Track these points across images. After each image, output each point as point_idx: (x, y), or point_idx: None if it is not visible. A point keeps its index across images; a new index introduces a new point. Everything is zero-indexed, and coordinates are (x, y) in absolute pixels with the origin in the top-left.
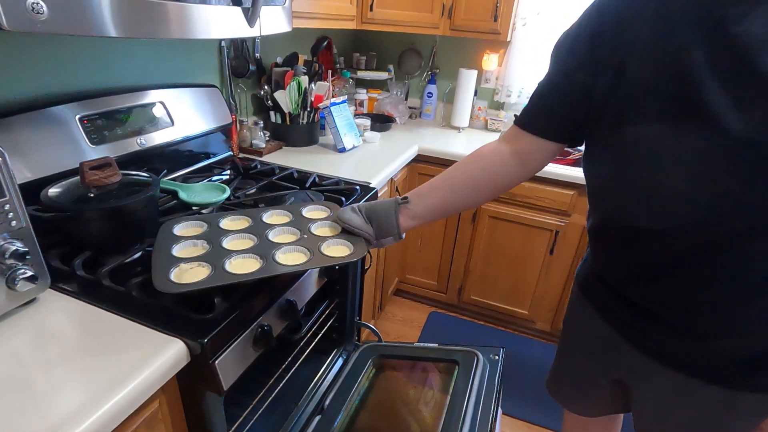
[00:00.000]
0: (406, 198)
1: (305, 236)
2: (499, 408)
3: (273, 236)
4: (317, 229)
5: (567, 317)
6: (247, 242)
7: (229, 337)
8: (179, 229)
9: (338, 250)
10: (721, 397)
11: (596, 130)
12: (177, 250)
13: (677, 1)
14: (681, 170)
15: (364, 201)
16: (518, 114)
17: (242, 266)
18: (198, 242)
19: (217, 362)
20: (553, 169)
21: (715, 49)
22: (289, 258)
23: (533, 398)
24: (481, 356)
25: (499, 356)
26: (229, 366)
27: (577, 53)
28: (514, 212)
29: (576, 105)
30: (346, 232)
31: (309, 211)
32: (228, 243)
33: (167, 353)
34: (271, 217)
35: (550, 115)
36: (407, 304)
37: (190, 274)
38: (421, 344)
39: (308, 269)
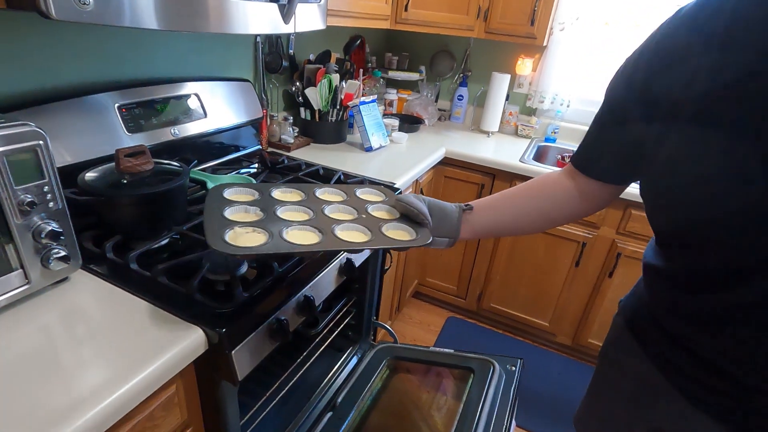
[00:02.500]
0: (470, 206)
1: (363, 216)
2: (513, 420)
3: (329, 212)
4: (375, 212)
5: (606, 350)
6: (302, 215)
7: (247, 329)
8: (229, 194)
9: (400, 234)
10: None
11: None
12: (230, 213)
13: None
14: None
15: None
16: (575, 152)
17: (302, 237)
18: (250, 209)
19: (233, 352)
20: None
21: None
22: (350, 236)
23: (549, 412)
24: (497, 366)
25: (516, 367)
26: (244, 357)
27: (629, 93)
28: None
29: (628, 149)
30: (406, 218)
31: (363, 194)
32: (282, 213)
33: (187, 340)
34: (324, 194)
35: (605, 158)
36: (425, 308)
37: (246, 239)
38: (437, 349)
39: (372, 248)
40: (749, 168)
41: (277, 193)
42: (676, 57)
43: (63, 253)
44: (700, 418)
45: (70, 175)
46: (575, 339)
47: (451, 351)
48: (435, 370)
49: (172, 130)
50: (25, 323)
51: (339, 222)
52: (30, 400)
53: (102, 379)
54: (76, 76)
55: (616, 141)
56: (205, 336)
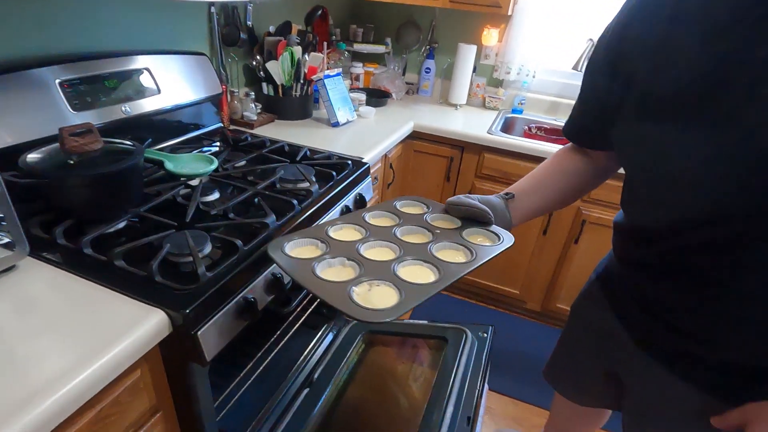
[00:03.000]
0: (511, 194)
1: (438, 231)
2: (486, 384)
3: (409, 239)
4: (435, 222)
5: (578, 303)
6: (388, 252)
7: (212, 308)
8: (291, 249)
9: (480, 239)
10: (709, 406)
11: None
12: (321, 271)
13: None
14: (695, 163)
15: (354, 177)
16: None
17: (414, 274)
18: (334, 261)
19: (199, 333)
20: (546, 148)
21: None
22: (447, 255)
23: (521, 376)
24: (470, 333)
25: (487, 334)
26: (212, 337)
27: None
28: None
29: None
30: (469, 221)
31: (404, 207)
32: (368, 254)
33: (149, 323)
34: (373, 219)
35: (587, 130)
36: None
37: (374, 295)
38: (411, 321)
39: (479, 265)
40: (688, 140)
41: (335, 233)
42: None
43: (6, 240)
44: (647, 361)
45: (8, 157)
46: (544, 305)
47: (425, 322)
48: (410, 342)
49: (123, 108)
50: None
51: (427, 245)
52: None
53: (59, 368)
54: (11, 50)
55: (594, 109)
56: (168, 318)
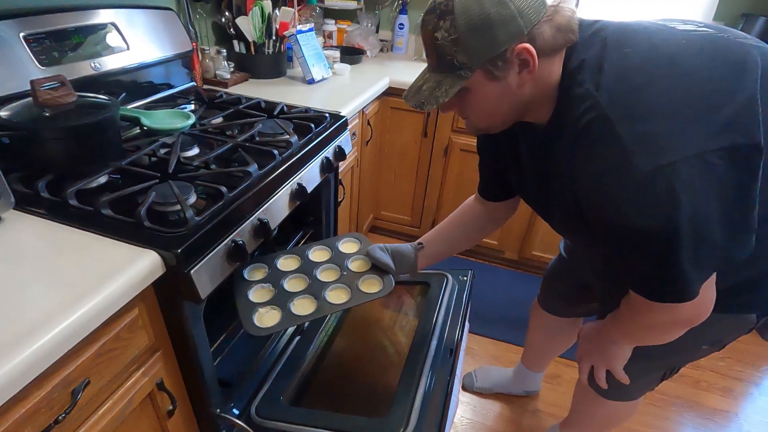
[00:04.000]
0: (421, 244)
1: (345, 273)
2: (467, 322)
3: (320, 275)
4: (353, 264)
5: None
6: (302, 282)
7: (203, 249)
8: (248, 272)
9: (370, 285)
10: None
11: None
12: (252, 295)
13: None
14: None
15: (332, 130)
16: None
17: (303, 307)
18: (265, 285)
19: (192, 272)
20: None
21: None
22: (335, 295)
23: (499, 319)
24: (450, 277)
25: (467, 277)
26: (204, 276)
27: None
28: None
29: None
30: (375, 267)
31: (343, 244)
32: (288, 284)
33: (141, 263)
34: (314, 252)
35: (495, 185)
36: (382, 240)
37: (267, 318)
38: None
39: (353, 305)
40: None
41: (281, 262)
42: None
43: None
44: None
45: None
46: (521, 253)
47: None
48: (396, 291)
49: (92, 64)
50: None
51: (328, 285)
52: None
53: (57, 304)
54: None
55: (495, 173)
56: (160, 259)
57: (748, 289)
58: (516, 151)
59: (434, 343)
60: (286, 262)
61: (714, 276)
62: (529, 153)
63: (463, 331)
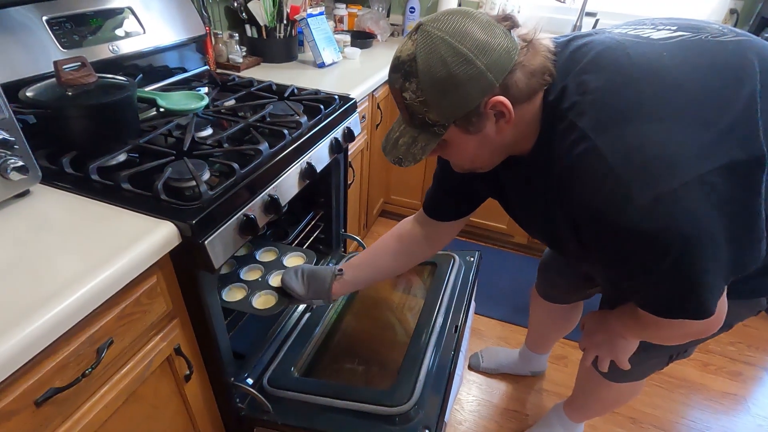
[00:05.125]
0: (341, 271)
1: (260, 280)
2: (473, 301)
3: (245, 274)
4: (273, 278)
5: None
6: (258, 273)
7: (216, 222)
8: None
9: (266, 300)
10: None
11: None
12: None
13: None
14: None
15: (342, 112)
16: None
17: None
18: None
19: (206, 242)
20: None
21: None
22: (262, 299)
23: (507, 302)
24: (458, 258)
25: (474, 258)
26: (218, 247)
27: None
28: None
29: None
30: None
31: (288, 258)
32: (245, 274)
33: (159, 233)
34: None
35: (450, 204)
36: (392, 224)
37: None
38: None
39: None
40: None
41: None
42: None
43: (20, 164)
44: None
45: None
46: (529, 237)
47: None
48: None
49: (111, 47)
50: None
51: (264, 288)
52: (12, 296)
53: (82, 268)
54: None
55: (454, 190)
56: (177, 229)
57: (758, 275)
58: (496, 183)
59: (440, 320)
60: (266, 254)
61: (725, 289)
62: (511, 184)
63: (468, 310)
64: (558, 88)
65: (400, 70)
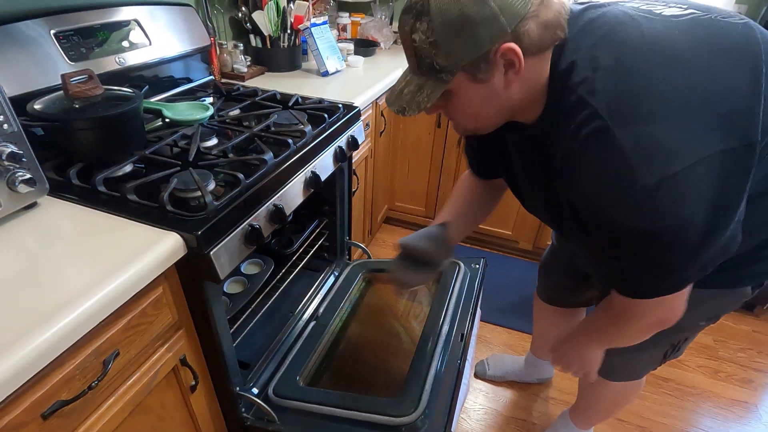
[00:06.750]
0: (444, 225)
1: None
2: (479, 309)
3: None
4: None
5: None
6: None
7: (221, 232)
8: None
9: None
10: None
11: None
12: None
13: None
14: None
15: (345, 120)
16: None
17: None
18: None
19: (212, 253)
20: None
21: None
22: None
23: (513, 309)
24: (463, 265)
25: (479, 265)
26: (223, 257)
27: None
28: None
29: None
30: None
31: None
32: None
33: (165, 244)
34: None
35: (486, 165)
36: (397, 231)
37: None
38: None
39: None
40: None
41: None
42: None
43: (28, 176)
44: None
45: (14, 106)
46: (535, 243)
47: None
48: None
49: (117, 59)
50: (1, 244)
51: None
52: (19, 308)
53: (89, 280)
54: (3, 4)
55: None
56: (182, 240)
57: (740, 265)
58: (503, 147)
59: (446, 328)
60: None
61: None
62: (516, 152)
63: (474, 318)
64: (568, 60)
65: (412, 10)
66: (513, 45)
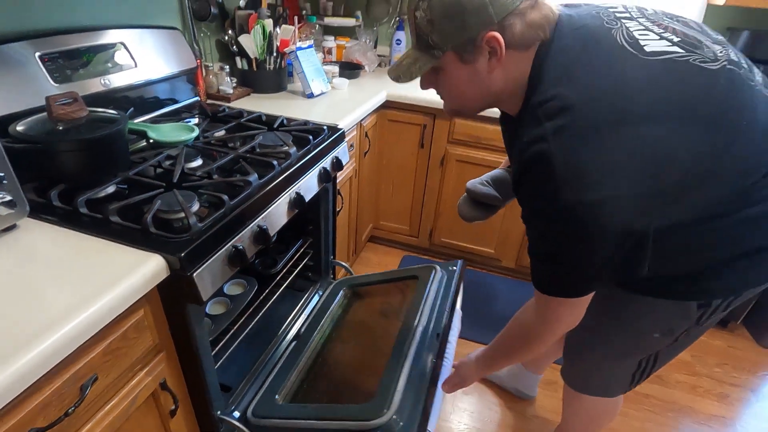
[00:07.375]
0: (509, 168)
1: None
2: (459, 310)
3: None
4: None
5: None
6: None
7: (205, 254)
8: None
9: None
10: None
11: None
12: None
13: None
14: None
15: (330, 141)
16: None
17: None
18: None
19: (194, 275)
20: None
21: None
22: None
23: (496, 327)
24: (439, 268)
25: (456, 267)
26: (206, 279)
27: None
28: (480, 155)
29: None
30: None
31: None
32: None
33: (147, 266)
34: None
35: None
36: (381, 250)
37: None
38: (387, 270)
39: None
40: None
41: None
42: None
43: (8, 198)
44: None
45: None
46: (518, 261)
47: (399, 269)
48: (389, 290)
49: (102, 81)
50: None
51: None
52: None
53: (70, 303)
54: None
55: None
56: (165, 262)
57: (685, 280)
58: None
59: (419, 329)
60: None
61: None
62: (507, 136)
63: (452, 317)
64: (548, 74)
65: None
66: (497, 34)
